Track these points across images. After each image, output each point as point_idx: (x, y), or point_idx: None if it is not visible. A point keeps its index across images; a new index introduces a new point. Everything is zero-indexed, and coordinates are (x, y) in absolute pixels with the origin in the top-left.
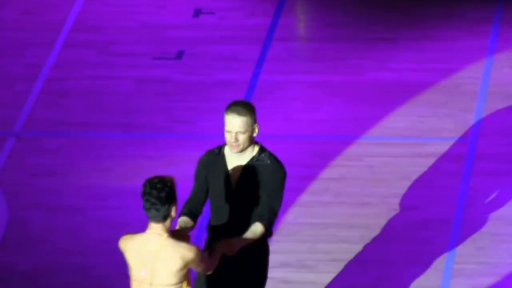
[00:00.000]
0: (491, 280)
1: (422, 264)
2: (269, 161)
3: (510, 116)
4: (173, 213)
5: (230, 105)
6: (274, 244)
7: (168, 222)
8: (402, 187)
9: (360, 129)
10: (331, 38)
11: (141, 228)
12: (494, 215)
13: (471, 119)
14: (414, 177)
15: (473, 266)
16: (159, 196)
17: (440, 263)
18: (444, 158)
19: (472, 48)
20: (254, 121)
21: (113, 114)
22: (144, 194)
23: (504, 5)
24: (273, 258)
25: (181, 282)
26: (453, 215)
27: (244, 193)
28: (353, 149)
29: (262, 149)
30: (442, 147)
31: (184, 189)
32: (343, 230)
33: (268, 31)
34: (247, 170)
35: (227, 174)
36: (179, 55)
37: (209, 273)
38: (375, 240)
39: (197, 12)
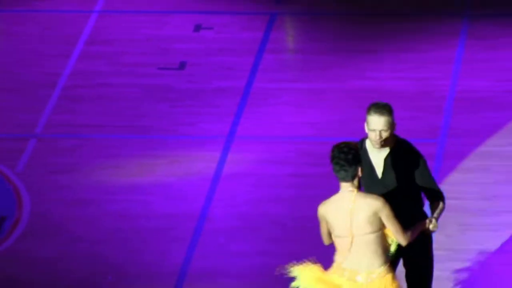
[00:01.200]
0: (459, 264)
1: None
2: (408, 148)
3: (475, 119)
4: (359, 172)
5: (372, 107)
6: (263, 235)
7: (356, 180)
8: None
9: (343, 130)
10: (317, 51)
11: (147, 219)
12: (460, 207)
13: (440, 122)
14: None
15: (442, 252)
16: (347, 158)
17: None
18: None
19: (441, 59)
20: (393, 119)
21: (123, 118)
22: (333, 158)
23: (469, 20)
24: (262, 248)
25: (378, 230)
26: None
27: (391, 180)
28: None
29: (398, 140)
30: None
31: (189, 184)
32: None
33: (261, 44)
34: (391, 159)
35: (371, 166)
36: (182, 65)
37: (403, 241)
38: None
39: (197, 27)
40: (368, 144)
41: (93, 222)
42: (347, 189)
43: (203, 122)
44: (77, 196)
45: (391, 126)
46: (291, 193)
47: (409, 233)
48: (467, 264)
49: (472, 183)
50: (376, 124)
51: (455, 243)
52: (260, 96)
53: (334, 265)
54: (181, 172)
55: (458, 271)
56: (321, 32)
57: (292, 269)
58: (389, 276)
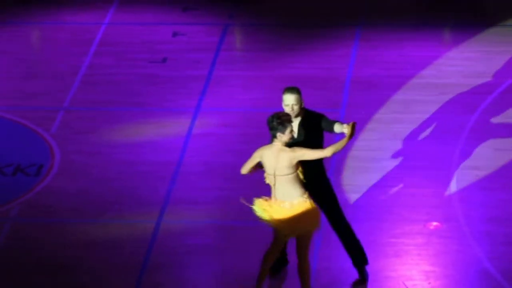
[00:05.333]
0: (354, 196)
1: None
2: (314, 114)
3: (366, 96)
4: (287, 132)
5: (286, 88)
6: (221, 176)
7: (283, 138)
8: None
9: (275, 104)
10: (257, 49)
11: (142, 165)
12: (355, 156)
13: (341, 98)
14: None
15: (343, 188)
16: (278, 122)
17: None
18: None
19: (342, 54)
20: (301, 97)
21: (126, 97)
22: (270, 121)
23: (362, 27)
24: (221, 185)
25: (294, 172)
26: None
27: (303, 138)
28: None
29: (307, 111)
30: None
31: (169, 142)
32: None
33: (218, 45)
34: (302, 124)
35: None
36: (164, 60)
37: (326, 155)
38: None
39: (175, 34)
40: None
41: (104, 167)
42: (277, 143)
43: (179, 99)
44: (92, 150)
45: (300, 101)
46: (241, 147)
47: (329, 149)
48: (358, 195)
49: (363, 139)
50: (288, 100)
51: (351, 181)
52: (218, 81)
53: (271, 197)
54: (164, 133)
55: (355, 201)
56: (259, 37)
57: (253, 203)
58: (307, 202)
